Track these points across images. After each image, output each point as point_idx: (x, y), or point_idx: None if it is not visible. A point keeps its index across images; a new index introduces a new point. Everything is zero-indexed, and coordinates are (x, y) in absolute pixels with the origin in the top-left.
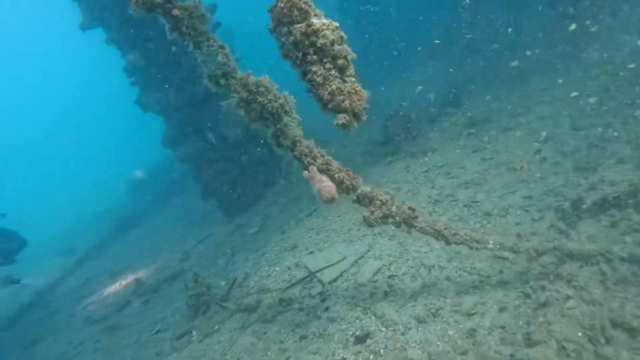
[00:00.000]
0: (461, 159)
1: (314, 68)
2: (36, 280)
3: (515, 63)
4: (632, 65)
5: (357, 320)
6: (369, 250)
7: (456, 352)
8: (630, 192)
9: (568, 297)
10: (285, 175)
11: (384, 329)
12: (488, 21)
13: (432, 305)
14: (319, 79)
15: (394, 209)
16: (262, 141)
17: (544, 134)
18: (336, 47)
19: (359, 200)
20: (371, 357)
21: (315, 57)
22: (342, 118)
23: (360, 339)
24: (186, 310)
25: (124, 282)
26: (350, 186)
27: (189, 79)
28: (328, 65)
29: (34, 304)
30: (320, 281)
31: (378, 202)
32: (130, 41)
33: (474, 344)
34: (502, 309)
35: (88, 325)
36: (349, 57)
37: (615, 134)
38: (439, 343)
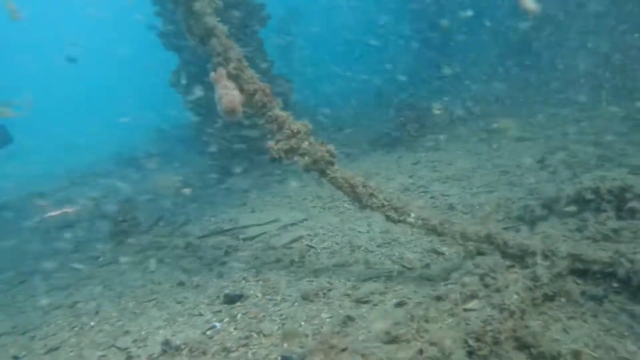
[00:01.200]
0: (457, 158)
1: None
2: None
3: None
4: None
5: (243, 281)
6: (305, 219)
7: (311, 335)
8: (615, 193)
9: (472, 297)
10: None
11: (260, 295)
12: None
13: (328, 285)
14: None
15: (305, 144)
16: None
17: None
18: None
19: (268, 123)
20: (226, 319)
21: None
22: None
23: (230, 300)
24: (108, 237)
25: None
26: (261, 104)
27: None
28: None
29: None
30: (237, 236)
31: (288, 131)
32: None
33: (338, 332)
34: (400, 304)
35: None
36: None
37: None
38: (302, 323)
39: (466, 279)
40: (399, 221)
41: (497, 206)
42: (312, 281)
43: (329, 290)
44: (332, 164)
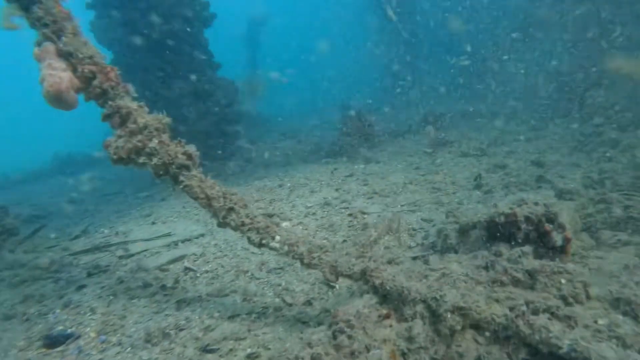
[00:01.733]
0: (392, 173)
1: None
2: None
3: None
4: None
5: (88, 314)
6: (202, 235)
7: None
8: (534, 221)
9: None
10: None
11: (93, 335)
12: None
13: (184, 323)
14: None
15: (154, 143)
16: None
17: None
18: None
19: (110, 114)
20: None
21: None
22: None
23: (51, 342)
24: None
25: None
26: (101, 91)
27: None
28: None
29: None
30: (116, 253)
31: (134, 125)
32: None
33: None
34: (250, 358)
35: None
36: None
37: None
38: None
39: (314, 336)
40: (261, 245)
41: (412, 230)
42: (170, 315)
43: (181, 329)
44: (187, 168)
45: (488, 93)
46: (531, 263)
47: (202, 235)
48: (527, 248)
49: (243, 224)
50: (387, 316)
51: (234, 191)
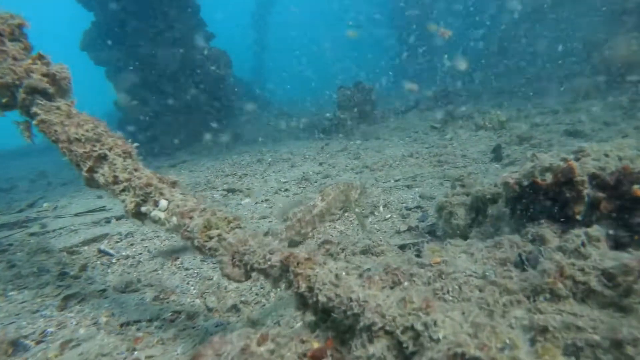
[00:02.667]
0: (393, 147)
1: None
2: None
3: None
4: None
5: None
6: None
7: None
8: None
9: None
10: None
11: None
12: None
13: (53, 330)
14: None
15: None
16: None
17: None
18: None
19: None
20: None
21: None
22: None
23: None
24: None
25: None
26: None
27: None
28: None
29: None
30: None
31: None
32: None
33: None
34: None
35: None
36: None
37: None
38: None
39: None
40: (138, 214)
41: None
42: (46, 317)
43: (39, 342)
44: (47, 95)
45: (514, 71)
46: (611, 257)
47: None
48: (597, 230)
49: (117, 181)
50: (318, 356)
51: (118, 134)
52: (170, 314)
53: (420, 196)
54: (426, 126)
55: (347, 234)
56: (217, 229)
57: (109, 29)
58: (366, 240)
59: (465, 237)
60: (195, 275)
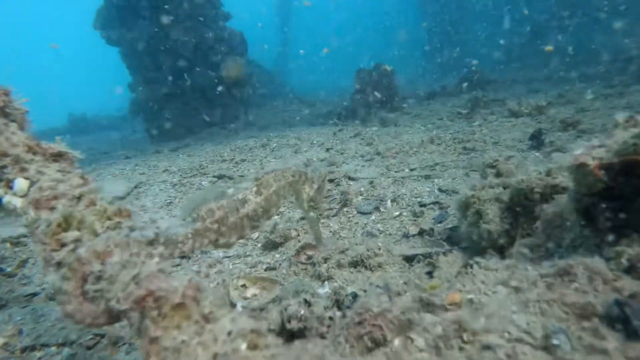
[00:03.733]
0: (413, 134)
1: None
2: None
3: None
4: None
5: None
6: (121, 198)
7: None
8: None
9: None
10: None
11: None
12: None
13: None
14: None
15: None
16: None
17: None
18: None
19: None
20: None
21: None
22: None
23: None
24: None
25: None
26: None
27: None
28: None
29: None
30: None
31: None
32: None
33: None
34: None
35: None
36: None
37: None
38: None
39: None
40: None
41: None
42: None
43: None
44: None
45: (553, 58)
46: None
47: (121, 198)
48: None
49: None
50: None
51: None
52: (90, 337)
53: (439, 189)
54: (452, 112)
55: (341, 236)
56: (81, 229)
57: (122, 6)
58: (361, 248)
59: (500, 251)
60: None
